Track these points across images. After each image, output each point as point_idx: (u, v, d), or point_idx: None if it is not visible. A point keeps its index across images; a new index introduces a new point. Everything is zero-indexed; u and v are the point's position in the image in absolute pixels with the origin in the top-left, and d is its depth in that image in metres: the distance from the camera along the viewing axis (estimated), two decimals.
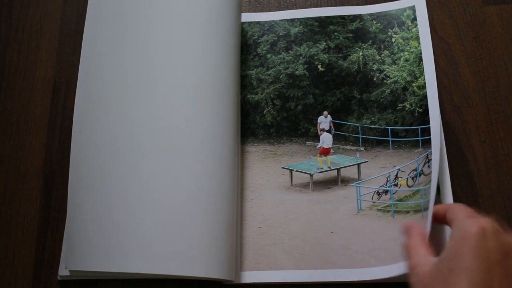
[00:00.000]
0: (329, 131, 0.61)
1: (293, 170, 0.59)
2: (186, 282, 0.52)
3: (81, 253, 0.50)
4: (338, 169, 0.59)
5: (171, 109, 0.53)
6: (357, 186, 0.57)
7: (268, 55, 0.64)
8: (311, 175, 0.59)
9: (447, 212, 0.45)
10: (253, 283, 0.53)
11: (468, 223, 0.41)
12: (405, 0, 0.64)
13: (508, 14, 0.63)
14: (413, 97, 0.59)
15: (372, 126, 0.60)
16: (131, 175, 0.51)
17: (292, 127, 0.61)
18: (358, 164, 0.59)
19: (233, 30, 0.57)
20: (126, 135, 0.52)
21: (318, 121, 0.61)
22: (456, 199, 0.55)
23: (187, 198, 0.50)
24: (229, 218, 0.52)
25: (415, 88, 0.60)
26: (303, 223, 0.55)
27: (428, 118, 0.57)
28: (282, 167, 0.59)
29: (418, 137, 0.58)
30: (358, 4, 0.65)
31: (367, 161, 0.59)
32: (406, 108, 0.59)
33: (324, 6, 0.66)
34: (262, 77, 0.63)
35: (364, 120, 0.60)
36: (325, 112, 0.61)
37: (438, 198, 0.55)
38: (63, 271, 0.53)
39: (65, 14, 0.67)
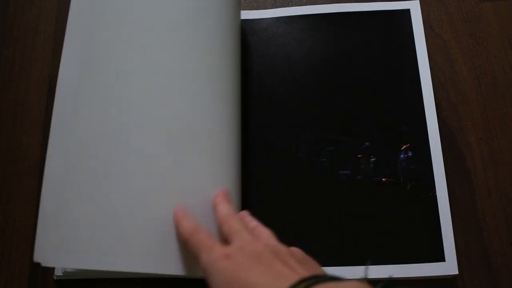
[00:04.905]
0: None
1: None
2: (182, 281, 0.52)
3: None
4: None
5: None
6: None
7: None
8: None
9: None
10: None
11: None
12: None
13: (504, 11, 0.63)
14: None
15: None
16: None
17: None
18: None
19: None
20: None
21: None
22: (452, 197, 0.55)
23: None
24: None
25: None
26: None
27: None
28: None
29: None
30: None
31: None
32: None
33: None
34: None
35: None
36: None
37: (433, 195, 0.55)
38: (59, 271, 0.52)
39: (60, 13, 0.66)
